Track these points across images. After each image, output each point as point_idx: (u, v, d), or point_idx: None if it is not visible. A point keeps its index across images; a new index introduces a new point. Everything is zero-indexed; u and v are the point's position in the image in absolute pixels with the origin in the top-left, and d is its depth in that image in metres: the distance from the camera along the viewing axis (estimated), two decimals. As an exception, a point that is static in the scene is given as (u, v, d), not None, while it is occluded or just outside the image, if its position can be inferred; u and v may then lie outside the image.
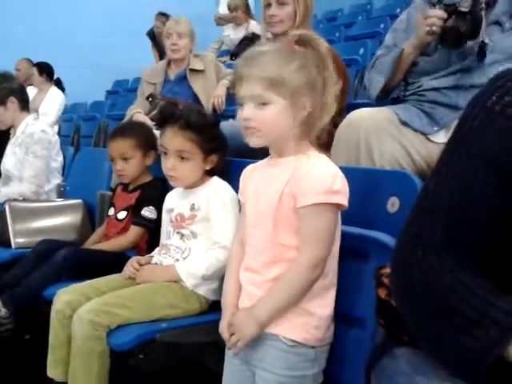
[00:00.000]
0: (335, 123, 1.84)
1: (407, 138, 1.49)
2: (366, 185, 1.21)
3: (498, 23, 1.46)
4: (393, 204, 1.17)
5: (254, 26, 4.36)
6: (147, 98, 2.60)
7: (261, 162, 1.19)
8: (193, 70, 2.66)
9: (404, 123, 1.49)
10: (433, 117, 1.52)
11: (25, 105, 2.61)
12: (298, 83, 1.03)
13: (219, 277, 1.45)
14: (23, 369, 1.82)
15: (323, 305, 1.09)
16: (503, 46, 1.44)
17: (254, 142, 1.08)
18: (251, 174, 1.20)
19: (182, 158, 1.47)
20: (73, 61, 5.31)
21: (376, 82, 1.61)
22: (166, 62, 2.76)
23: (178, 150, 1.47)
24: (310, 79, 1.04)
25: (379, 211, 1.16)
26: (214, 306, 1.47)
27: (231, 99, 2.35)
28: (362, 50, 2.97)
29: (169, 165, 1.48)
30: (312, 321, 1.07)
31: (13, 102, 2.54)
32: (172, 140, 1.47)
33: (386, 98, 1.64)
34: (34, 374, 1.55)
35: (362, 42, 3.10)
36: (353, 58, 2.74)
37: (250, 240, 1.15)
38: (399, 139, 1.47)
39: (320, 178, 1.04)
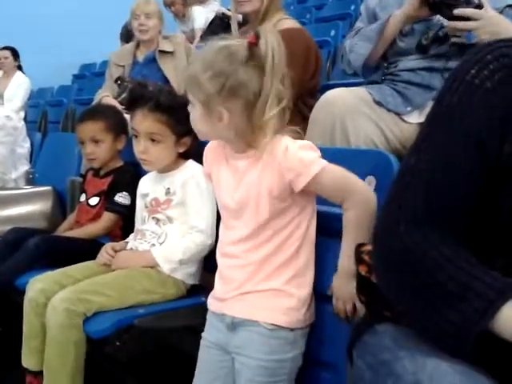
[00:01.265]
0: (309, 104, 1.84)
1: (381, 117, 1.49)
2: (342, 164, 1.20)
3: None
4: (369, 183, 1.17)
5: (199, 10, 4.31)
6: (116, 81, 2.52)
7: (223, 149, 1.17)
8: (162, 52, 2.60)
9: (378, 103, 1.49)
10: (406, 97, 1.52)
11: None
12: (210, 92, 1.01)
13: (197, 261, 1.45)
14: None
15: (302, 285, 1.09)
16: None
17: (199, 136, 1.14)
18: (215, 157, 1.18)
19: (154, 141, 1.44)
20: (38, 45, 5.14)
21: (362, 48, 1.56)
22: (135, 44, 2.70)
23: (148, 133, 1.43)
24: (227, 87, 1.01)
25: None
26: (193, 291, 1.47)
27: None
28: (333, 32, 2.96)
29: (140, 148, 1.44)
30: (291, 302, 1.07)
31: None
32: (142, 122, 1.44)
33: (369, 72, 1.62)
34: (9, 364, 1.51)
35: (333, 23, 3.09)
36: (324, 40, 2.73)
37: (228, 230, 1.14)
38: (373, 119, 1.47)
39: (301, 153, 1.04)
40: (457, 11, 1.35)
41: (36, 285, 1.42)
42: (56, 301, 1.31)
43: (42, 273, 1.50)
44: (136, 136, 1.46)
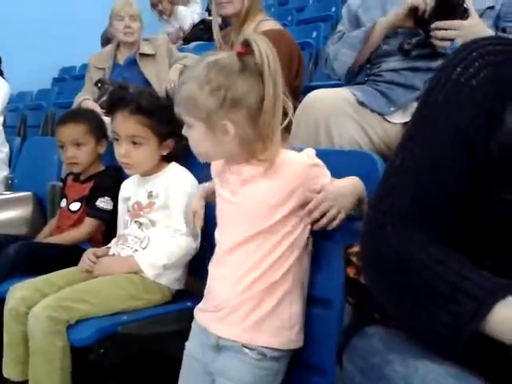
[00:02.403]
0: (294, 107, 1.83)
1: (365, 118, 1.49)
2: (327, 166, 1.20)
3: None
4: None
5: (184, 11, 4.30)
6: (96, 84, 2.49)
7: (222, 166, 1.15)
8: (143, 55, 2.57)
9: (361, 103, 1.48)
10: (389, 97, 1.52)
11: None
12: (211, 107, 1.00)
13: (182, 265, 1.43)
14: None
15: (294, 301, 1.07)
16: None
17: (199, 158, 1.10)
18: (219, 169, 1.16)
19: (135, 144, 1.42)
20: (16, 48, 5.05)
21: (345, 56, 1.57)
22: (115, 46, 2.66)
23: (130, 135, 1.41)
24: (228, 99, 0.99)
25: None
26: (178, 296, 1.45)
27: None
28: (314, 34, 2.97)
29: (122, 151, 1.42)
30: (283, 321, 1.05)
31: None
32: (123, 125, 1.41)
33: (353, 77, 1.62)
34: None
35: (315, 25, 3.09)
36: (306, 42, 2.73)
37: (221, 239, 1.11)
38: (357, 120, 1.47)
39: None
40: (434, 25, 1.37)
41: (16, 293, 1.39)
42: (38, 309, 1.28)
43: (22, 280, 1.46)
44: (117, 139, 1.43)
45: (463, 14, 1.35)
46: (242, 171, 1.07)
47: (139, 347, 1.64)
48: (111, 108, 1.45)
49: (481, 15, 1.41)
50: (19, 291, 1.39)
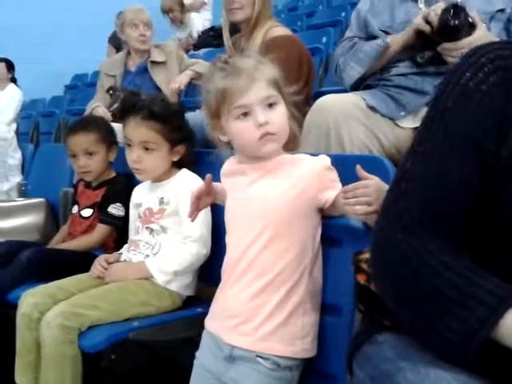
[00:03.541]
0: (302, 111, 1.83)
1: (375, 123, 1.48)
2: (337, 171, 1.19)
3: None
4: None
5: (194, 19, 4.33)
6: (107, 91, 2.52)
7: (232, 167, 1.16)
8: (154, 62, 2.59)
9: (372, 108, 1.48)
10: (399, 102, 1.52)
11: None
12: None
13: (192, 271, 1.43)
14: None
15: (307, 311, 1.06)
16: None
17: (273, 148, 1.07)
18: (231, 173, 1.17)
19: (147, 149, 1.42)
20: (30, 56, 5.13)
21: (353, 70, 1.58)
22: (126, 53, 2.69)
23: (142, 141, 1.42)
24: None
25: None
26: (189, 302, 1.45)
27: (195, 90, 2.31)
28: (324, 39, 2.97)
29: (134, 157, 1.43)
30: (296, 331, 1.04)
31: None
32: (135, 131, 1.42)
33: (359, 86, 1.63)
34: (1, 381, 1.48)
35: (324, 30, 3.09)
36: (316, 47, 2.73)
37: (232, 244, 1.11)
38: (368, 124, 1.47)
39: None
40: (440, 48, 1.38)
41: (29, 299, 1.40)
42: (50, 316, 1.29)
43: (34, 286, 1.47)
44: (129, 145, 1.45)
45: (469, 30, 1.35)
46: (254, 169, 1.07)
47: (150, 353, 1.64)
48: (123, 114, 1.47)
49: (491, 18, 1.40)
50: (31, 298, 1.39)
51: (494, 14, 1.43)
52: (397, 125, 1.51)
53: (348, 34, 1.69)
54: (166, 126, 1.42)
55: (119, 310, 1.33)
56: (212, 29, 4.10)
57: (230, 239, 1.12)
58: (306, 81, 1.94)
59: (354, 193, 1.00)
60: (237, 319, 1.05)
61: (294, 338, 1.03)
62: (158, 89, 2.54)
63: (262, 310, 1.03)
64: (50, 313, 1.29)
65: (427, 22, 1.39)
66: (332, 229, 1.12)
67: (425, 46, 1.45)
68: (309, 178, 1.05)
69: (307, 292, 1.06)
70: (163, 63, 2.60)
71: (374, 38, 1.57)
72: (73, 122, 2.06)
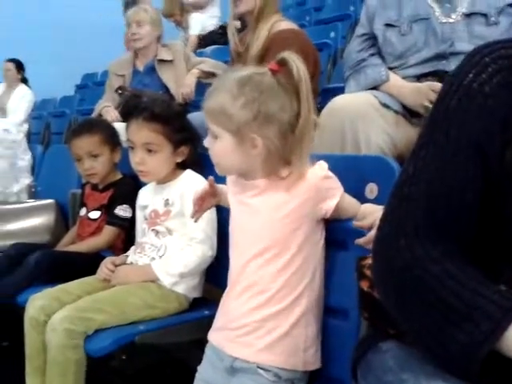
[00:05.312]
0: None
1: (388, 121, 1.47)
2: (344, 172, 1.18)
3: (484, 15, 1.43)
4: (371, 190, 1.14)
5: (196, 18, 4.31)
6: (116, 91, 2.53)
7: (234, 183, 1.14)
8: (161, 61, 2.59)
9: (384, 105, 1.47)
10: None
11: None
12: (243, 120, 0.99)
13: (198, 273, 1.42)
14: (2, 377, 1.76)
15: (310, 322, 1.05)
16: (484, 38, 1.42)
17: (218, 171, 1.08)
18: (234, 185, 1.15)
19: (150, 151, 1.42)
20: (39, 56, 5.17)
21: (350, 88, 1.61)
22: (134, 53, 2.69)
23: (144, 143, 1.42)
24: (262, 113, 0.99)
25: (357, 198, 1.13)
26: (196, 304, 1.44)
27: (202, 90, 2.30)
28: (332, 34, 2.93)
29: (137, 159, 1.43)
30: (299, 342, 1.03)
31: None
32: (138, 133, 1.42)
33: None
34: (14, 382, 1.49)
35: (333, 25, 3.06)
36: (324, 42, 2.70)
37: (235, 255, 1.11)
38: (381, 123, 1.45)
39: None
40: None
41: (36, 302, 1.40)
42: (56, 320, 1.29)
43: (42, 289, 1.48)
44: (132, 147, 1.44)
45: None
46: (256, 184, 1.06)
47: (158, 355, 1.64)
48: (126, 116, 1.46)
49: (500, 12, 1.37)
50: (38, 301, 1.40)
51: (504, 8, 1.40)
52: (409, 122, 1.49)
53: (360, 30, 1.67)
54: (169, 127, 1.42)
55: (125, 313, 1.33)
56: (221, 27, 4.07)
57: (232, 250, 1.12)
58: (311, 77, 1.91)
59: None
60: (238, 331, 1.04)
61: (296, 349, 1.03)
62: (166, 87, 2.54)
63: (264, 323, 1.02)
64: (56, 316, 1.30)
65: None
66: (337, 232, 1.10)
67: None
68: (306, 192, 1.03)
69: (310, 303, 1.05)
70: (170, 62, 2.60)
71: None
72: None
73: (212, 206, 1.26)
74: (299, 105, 0.99)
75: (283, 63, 1.01)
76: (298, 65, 0.99)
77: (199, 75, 2.53)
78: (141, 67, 2.64)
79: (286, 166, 1.03)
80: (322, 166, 1.05)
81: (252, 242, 1.06)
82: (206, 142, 1.06)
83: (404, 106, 1.48)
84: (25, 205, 2.32)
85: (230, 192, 1.15)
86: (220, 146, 1.03)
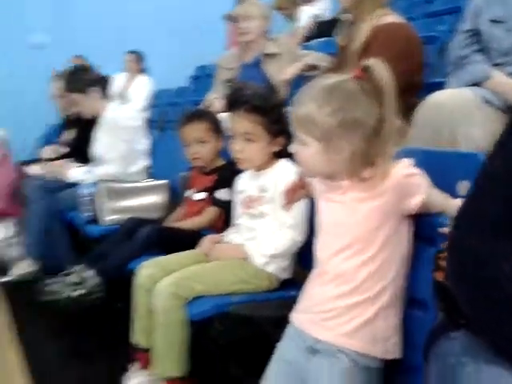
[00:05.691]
0: (410, 103, 1.79)
1: (489, 117, 1.43)
2: (436, 168, 1.17)
3: None
4: (463, 188, 1.13)
5: (306, 10, 4.28)
6: (226, 83, 2.66)
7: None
8: (267, 55, 2.66)
9: (486, 101, 1.44)
10: None
11: (106, 93, 2.79)
12: (330, 127, 1.03)
13: (289, 255, 1.51)
14: (114, 333, 1.97)
15: (391, 314, 1.09)
16: None
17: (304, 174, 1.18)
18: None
19: (249, 140, 1.52)
20: (159, 47, 5.53)
21: (452, 84, 1.59)
22: (241, 47, 2.80)
23: (244, 133, 1.52)
24: (347, 120, 1.03)
25: (450, 194, 1.12)
26: (285, 284, 1.53)
27: (303, 82, 2.34)
28: (442, 27, 2.82)
29: (237, 147, 1.54)
30: (381, 331, 1.07)
31: (94, 91, 2.74)
32: (238, 123, 1.53)
33: None
34: (123, 339, 1.67)
35: (442, 18, 2.94)
36: (433, 36, 2.62)
37: (323, 244, 1.16)
38: (481, 119, 1.42)
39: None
40: None
41: (144, 270, 1.58)
42: (162, 285, 1.45)
43: (150, 258, 1.66)
44: (233, 136, 1.56)
45: None
46: (341, 185, 1.10)
47: (246, 330, 1.73)
48: (229, 107, 1.59)
49: None
50: (147, 269, 1.58)
51: None
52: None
53: (464, 26, 1.64)
54: (267, 119, 1.51)
55: (221, 286, 1.47)
56: (330, 20, 4.06)
57: (318, 241, 1.17)
58: (416, 70, 1.88)
59: None
60: (323, 314, 1.10)
61: (376, 338, 1.06)
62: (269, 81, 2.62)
63: (348, 311, 1.07)
64: (162, 282, 1.46)
65: None
66: (425, 227, 1.11)
67: None
68: (390, 190, 1.04)
69: (393, 295, 1.08)
70: (277, 55, 2.66)
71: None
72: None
73: (302, 197, 1.33)
74: (382, 109, 1.03)
75: (367, 70, 1.04)
76: (381, 72, 1.03)
77: (303, 68, 2.58)
78: (248, 60, 2.73)
79: (370, 167, 1.06)
80: (405, 164, 1.07)
81: (337, 236, 1.10)
82: (293, 148, 1.11)
83: (506, 103, 1.44)
84: (141, 184, 2.59)
85: (317, 189, 1.20)
86: (307, 154, 1.08)
